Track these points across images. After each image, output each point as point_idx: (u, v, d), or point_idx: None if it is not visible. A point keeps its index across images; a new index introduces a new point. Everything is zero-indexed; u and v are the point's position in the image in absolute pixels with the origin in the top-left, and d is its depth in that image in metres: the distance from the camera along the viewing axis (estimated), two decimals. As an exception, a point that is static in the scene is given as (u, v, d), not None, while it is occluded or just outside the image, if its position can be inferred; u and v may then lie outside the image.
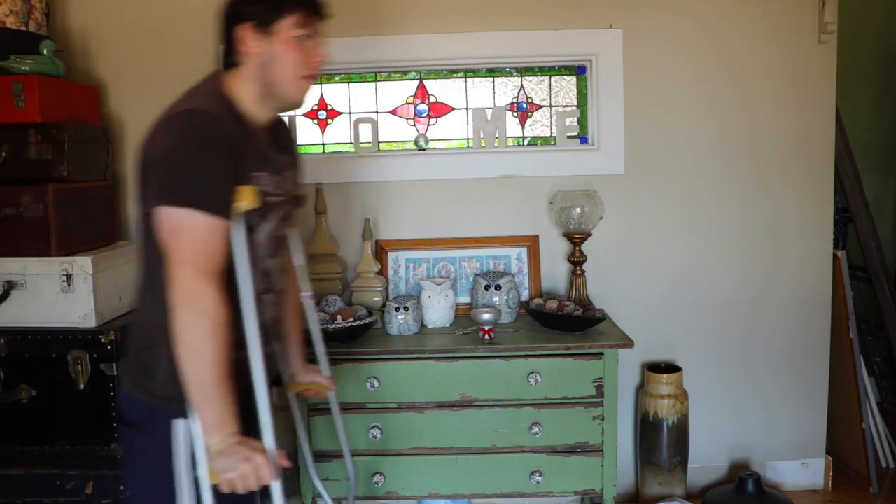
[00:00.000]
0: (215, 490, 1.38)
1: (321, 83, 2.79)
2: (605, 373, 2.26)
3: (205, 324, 1.32)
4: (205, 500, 1.40)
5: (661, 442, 2.64)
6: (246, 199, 1.40)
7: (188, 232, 1.33)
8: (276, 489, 1.41)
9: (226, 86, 1.48)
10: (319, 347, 1.85)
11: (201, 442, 1.37)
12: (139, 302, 1.53)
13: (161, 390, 1.44)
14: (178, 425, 1.41)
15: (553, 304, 2.46)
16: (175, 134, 1.37)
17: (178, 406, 1.39)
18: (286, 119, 1.70)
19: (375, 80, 2.79)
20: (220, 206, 1.36)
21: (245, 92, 1.48)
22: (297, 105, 1.55)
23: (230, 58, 1.50)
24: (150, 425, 1.45)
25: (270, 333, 1.58)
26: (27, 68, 2.25)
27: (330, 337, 2.19)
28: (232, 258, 1.41)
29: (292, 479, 2.28)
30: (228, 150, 1.38)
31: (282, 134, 1.62)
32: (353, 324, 2.29)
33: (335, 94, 2.80)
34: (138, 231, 1.47)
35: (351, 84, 2.79)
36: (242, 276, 1.41)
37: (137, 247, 1.50)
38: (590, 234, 2.63)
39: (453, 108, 2.81)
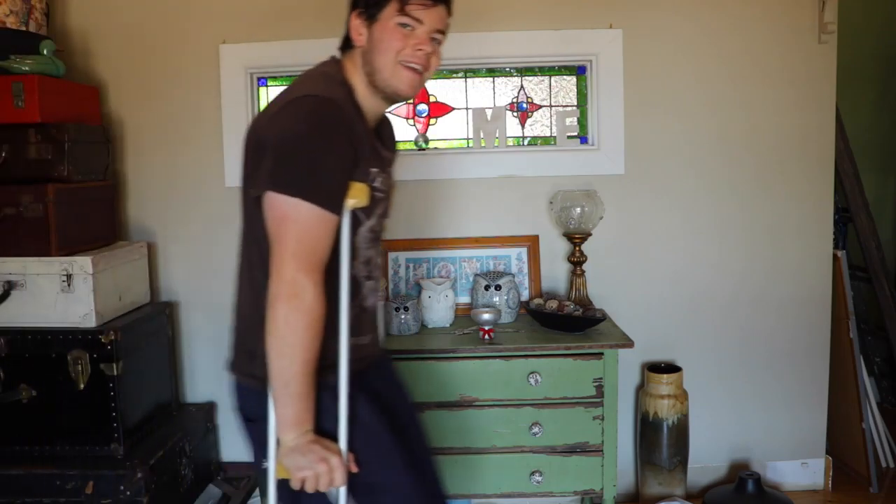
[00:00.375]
0: (280, 485, 1.37)
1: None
2: (605, 373, 2.26)
3: (300, 319, 1.28)
4: (270, 494, 1.38)
5: (661, 442, 2.63)
6: (358, 195, 1.36)
7: (295, 223, 1.29)
8: (342, 493, 1.39)
9: (344, 72, 1.45)
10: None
11: (274, 435, 1.35)
12: (242, 285, 1.47)
13: (264, 373, 1.38)
14: None
15: (553, 304, 2.46)
16: (295, 119, 1.32)
17: None
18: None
19: (375, 80, 2.79)
20: (332, 200, 1.32)
21: (358, 82, 1.44)
22: (402, 96, 1.47)
23: (347, 44, 1.47)
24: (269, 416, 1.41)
25: (372, 322, 1.55)
26: (27, 68, 2.25)
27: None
28: (335, 253, 1.37)
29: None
30: (347, 143, 1.34)
31: (385, 128, 1.59)
32: (353, 324, 2.28)
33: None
34: (243, 212, 1.43)
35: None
36: (344, 273, 1.38)
37: (241, 227, 1.45)
38: (590, 234, 2.62)
39: (453, 108, 2.81)
